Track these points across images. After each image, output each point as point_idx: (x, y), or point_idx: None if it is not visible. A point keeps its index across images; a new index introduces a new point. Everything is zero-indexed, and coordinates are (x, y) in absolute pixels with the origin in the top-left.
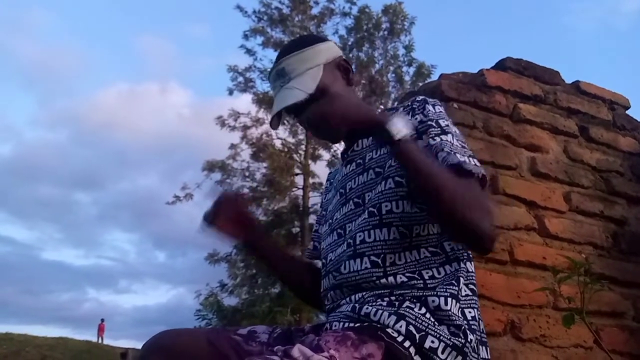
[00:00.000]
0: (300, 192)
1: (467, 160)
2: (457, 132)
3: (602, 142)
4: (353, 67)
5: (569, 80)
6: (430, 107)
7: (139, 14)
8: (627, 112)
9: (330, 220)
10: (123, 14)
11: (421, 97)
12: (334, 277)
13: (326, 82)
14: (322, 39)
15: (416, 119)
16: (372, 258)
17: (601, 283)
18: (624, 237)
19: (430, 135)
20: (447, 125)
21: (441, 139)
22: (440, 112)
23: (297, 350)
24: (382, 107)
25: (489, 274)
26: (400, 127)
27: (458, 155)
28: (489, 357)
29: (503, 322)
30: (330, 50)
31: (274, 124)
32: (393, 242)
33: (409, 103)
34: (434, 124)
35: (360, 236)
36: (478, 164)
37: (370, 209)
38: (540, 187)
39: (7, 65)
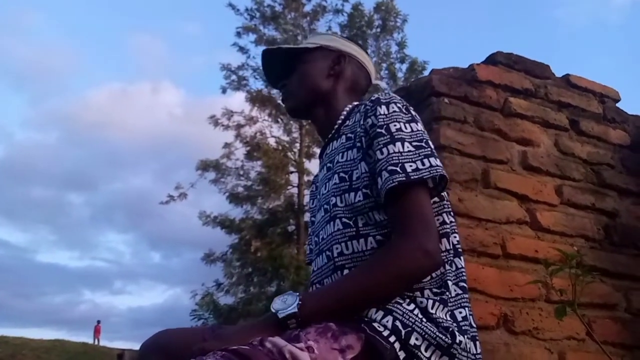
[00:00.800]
0: (295, 190)
1: (417, 167)
2: (415, 128)
3: (592, 135)
4: (353, 67)
5: (559, 74)
6: (382, 109)
7: (131, 13)
8: (617, 104)
9: (316, 228)
10: (114, 12)
11: (375, 97)
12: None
13: (308, 58)
14: (346, 37)
15: (367, 122)
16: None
17: (593, 275)
18: (616, 229)
19: (379, 147)
20: (399, 130)
21: (388, 152)
22: (394, 112)
23: (269, 340)
24: (350, 106)
25: (482, 267)
26: (279, 305)
27: (407, 166)
28: (479, 351)
29: (496, 316)
30: (337, 42)
31: (264, 73)
32: (371, 252)
33: (364, 103)
34: (383, 130)
35: (337, 248)
36: (435, 162)
37: (344, 220)
38: (531, 180)
39: None
